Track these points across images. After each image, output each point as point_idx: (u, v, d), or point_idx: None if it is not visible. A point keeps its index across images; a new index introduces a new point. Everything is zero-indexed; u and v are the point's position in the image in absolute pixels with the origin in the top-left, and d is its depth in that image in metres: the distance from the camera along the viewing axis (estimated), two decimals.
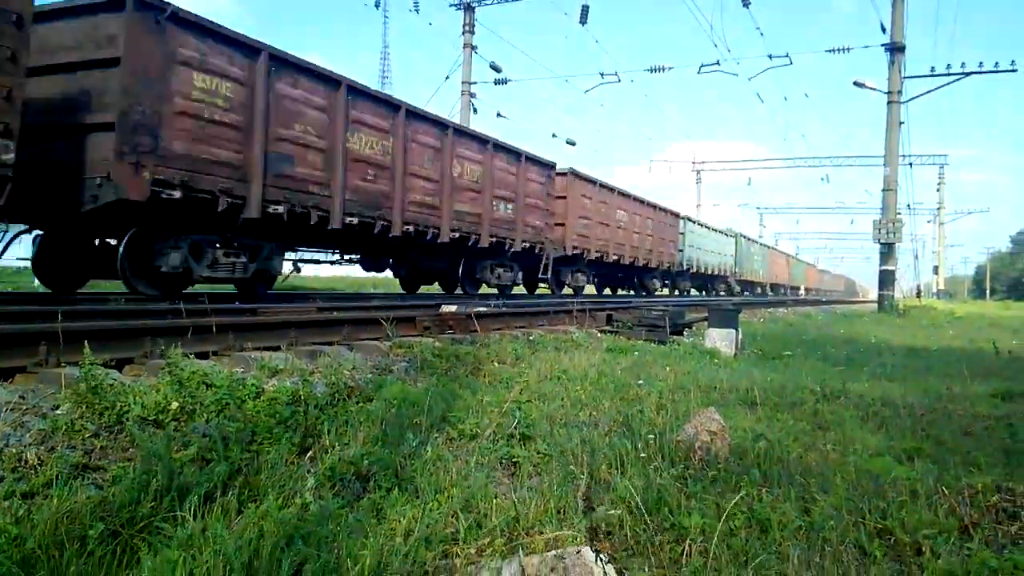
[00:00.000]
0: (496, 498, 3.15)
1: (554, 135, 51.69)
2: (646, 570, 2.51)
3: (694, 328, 12.52)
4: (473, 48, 29.64)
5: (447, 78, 30.15)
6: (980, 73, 27.53)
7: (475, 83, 30.09)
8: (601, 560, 2.29)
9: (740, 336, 10.51)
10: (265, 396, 4.34)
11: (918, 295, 66.15)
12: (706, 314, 11.61)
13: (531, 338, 9.06)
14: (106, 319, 6.15)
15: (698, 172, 62.43)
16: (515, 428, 4.39)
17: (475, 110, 29.72)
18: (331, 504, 2.91)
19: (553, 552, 2.37)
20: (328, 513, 2.77)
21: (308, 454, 3.72)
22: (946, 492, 3.39)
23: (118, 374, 4.79)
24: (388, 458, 3.55)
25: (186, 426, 3.90)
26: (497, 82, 30.69)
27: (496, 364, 6.98)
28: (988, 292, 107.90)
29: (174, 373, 4.49)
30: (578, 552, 2.32)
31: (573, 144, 33.66)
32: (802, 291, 66.46)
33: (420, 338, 7.74)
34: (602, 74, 31.56)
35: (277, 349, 6.05)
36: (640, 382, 6.27)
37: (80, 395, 3.94)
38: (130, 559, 2.52)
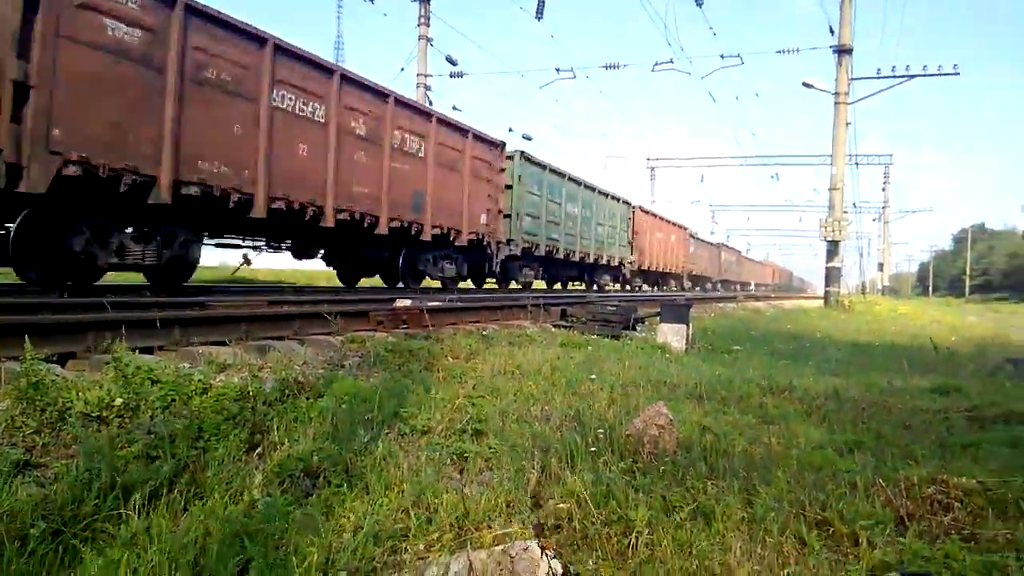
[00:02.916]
0: (446, 493, 3.16)
1: (511, 129, 52.01)
2: (592, 563, 2.55)
3: (647, 323, 12.68)
4: (429, 40, 29.46)
5: (402, 70, 30.27)
6: (924, 76, 28.40)
7: (431, 76, 29.94)
8: (547, 555, 2.33)
9: (691, 331, 10.68)
10: (212, 392, 4.28)
11: (863, 292, 68.00)
12: (658, 309, 11.77)
13: (485, 333, 9.07)
14: (49, 312, 5.98)
15: (652, 169, 63.16)
16: (467, 423, 4.40)
17: (430, 103, 29.57)
18: (279, 501, 2.89)
19: (500, 547, 2.39)
20: (276, 510, 2.75)
21: (257, 451, 3.68)
22: (883, 484, 3.50)
23: (61, 369, 4.67)
24: (338, 454, 3.53)
25: (131, 423, 3.83)
26: (453, 75, 30.63)
27: (450, 359, 6.98)
28: (931, 289, 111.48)
29: (119, 368, 4.39)
30: (525, 546, 2.35)
31: (529, 139, 33.82)
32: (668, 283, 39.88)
33: (373, 333, 7.69)
34: (558, 69, 31.68)
35: (225, 344, 5.95)
36: (592, 377, 6.34)
37: (21, 391, 3.83)
38: (72, 558, 2.47)
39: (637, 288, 34.47)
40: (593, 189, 26.29)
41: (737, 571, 2.51)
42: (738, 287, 62.85)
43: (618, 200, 28.97)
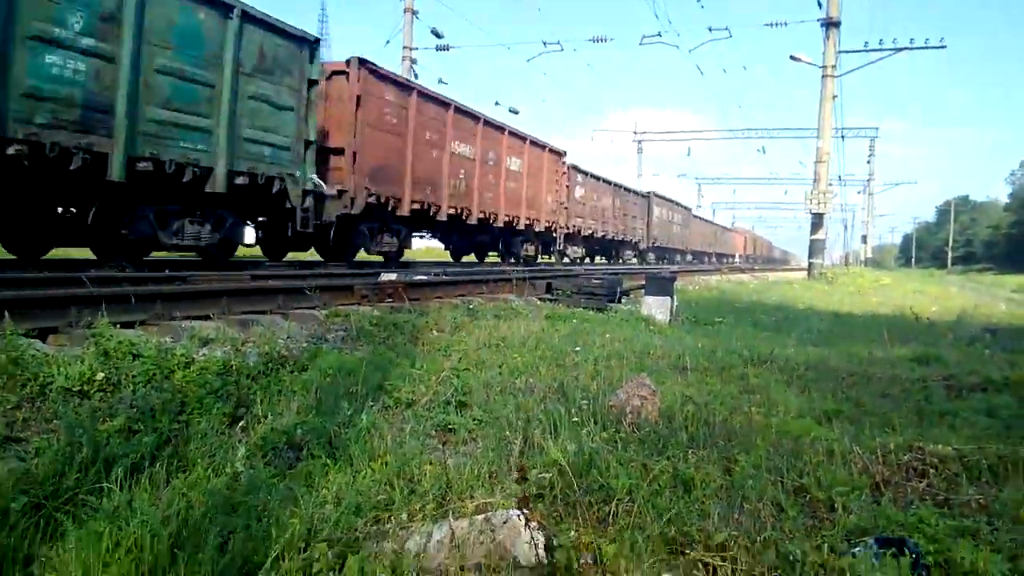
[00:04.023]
0: (429, 464, 3.19)
1: (497, 103, 51.57)
2: (574, 530, 2.58)
3: (631, 296, 12.73)
4: (414, 13, 29.12)
5: (388, 43, 29.64)
6: (911, 49, 28.46)
7: (416, 49, 29.63)
8: (530, 526, 2.35)
9: (675, 303, 10.74)
10: (195, 366, 4.27)
11: (846, 263, 68.57)
12: (643, 282, 11.81)
13: (471, 306, 9.08)
14: (30, 288, 5.93)
15: (639, 143, 63.05)
16: (451, 395, 4.43)
17: (416, 76, 29.29)
18: (262, 473, 2.90)
19: (482, 516, 2.42)
20: (259, 483, 2.76)
21: (240, 424, 3.69)
22: (860, 452, 3.56)
23: (41, 344, 4.64)
24: (322, 427, 3.55)
25: (112, 397, 3.82)
26: (439, 48, 30.30)
27: (435, 332, 6.99)
28: (913, 260, 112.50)
29: (100, 343, 4.38)
30: (507, 516, 2.37)
31: (516, 112, 33.35)
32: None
33: (358, 307, 7.68)
34: (545, 43, 31.44)
35: (208, 318, 5.93)
36: (577, 349, 6.37)
37: (1, 366, 3.81)
38: (54, 531, 2.48)
39: (391, 260, 16.15)
40: None
41: (715, 536, 2.55)
42: (688, 258, 46.47)
43: (289, 38, 11.25)
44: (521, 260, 22.46)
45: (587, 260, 30.34)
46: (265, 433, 3.43)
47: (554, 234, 24.08)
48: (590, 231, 27.94)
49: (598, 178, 29.22)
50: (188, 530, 2.34)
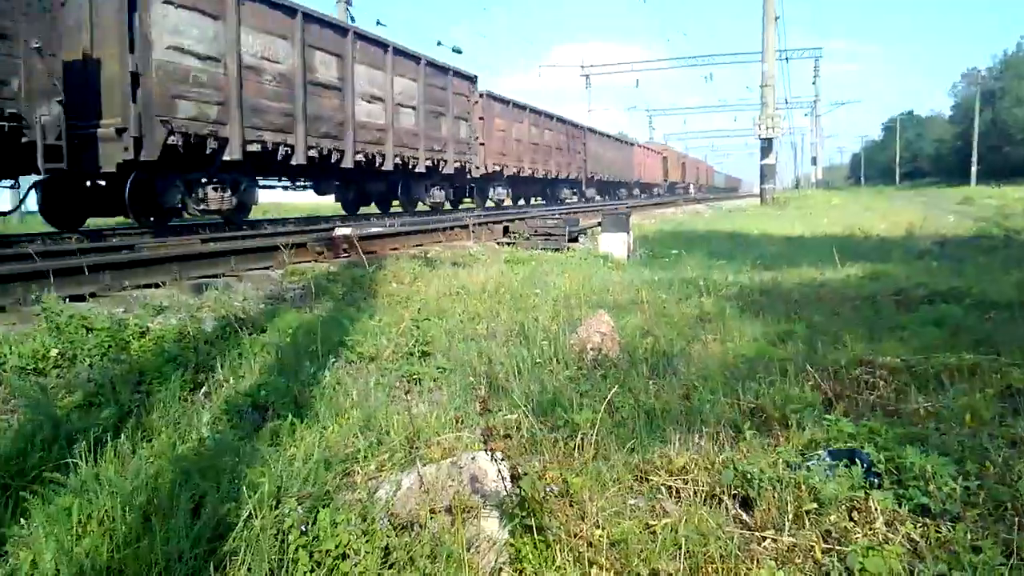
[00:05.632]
0: (396, 415, 3.22)
1: (439, 43, 50.21)
2: (539, 466, 2.65)
3: (589, 234, 12.79)
4: None
5: None
6: None
7: None
8: (496, 460, 2.41)
9: (632, 238, 10.83)
10: (151, 335, 4.23)
11: (797, 186, 69.59)
12: (599, 220, 11.86)
13: (428, 256, 9.06)
14: None
15: (587, 76, 62.35)
16: (414, 346, 4.44)
17: (352, 19, 28.42)
18: (228, 436, 2.91)
19: (449, 460, 2.47)
20: (225, 445, 2.77)
21: (202, 390, 3.67)
22: (812, 370, 3.68)
23: None
24: (285, 387, 3.55)
25: (69, 372, 3.77)
26: None
27: (394, 284, 6.97)
28: (862, 179, 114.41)
29: (50, 319, 4.29)
30: (473, 456, 2.42)
31: (459, 52, 32.53)
32: None
33: (313, 263, 7.62)
34: None
35: (160, 286, 5.84)
36: (536, 291, 6.42)
37: None
38: (23, 510, 2.47)
39: None
40: None
41: (676, 460, 2.64)
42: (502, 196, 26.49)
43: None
44: None
45: None
46: (228, 397, 3.43)
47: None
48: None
49: None
50: (159, 498, 2.35)
